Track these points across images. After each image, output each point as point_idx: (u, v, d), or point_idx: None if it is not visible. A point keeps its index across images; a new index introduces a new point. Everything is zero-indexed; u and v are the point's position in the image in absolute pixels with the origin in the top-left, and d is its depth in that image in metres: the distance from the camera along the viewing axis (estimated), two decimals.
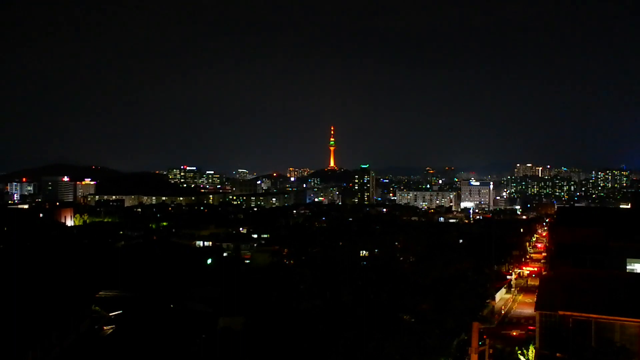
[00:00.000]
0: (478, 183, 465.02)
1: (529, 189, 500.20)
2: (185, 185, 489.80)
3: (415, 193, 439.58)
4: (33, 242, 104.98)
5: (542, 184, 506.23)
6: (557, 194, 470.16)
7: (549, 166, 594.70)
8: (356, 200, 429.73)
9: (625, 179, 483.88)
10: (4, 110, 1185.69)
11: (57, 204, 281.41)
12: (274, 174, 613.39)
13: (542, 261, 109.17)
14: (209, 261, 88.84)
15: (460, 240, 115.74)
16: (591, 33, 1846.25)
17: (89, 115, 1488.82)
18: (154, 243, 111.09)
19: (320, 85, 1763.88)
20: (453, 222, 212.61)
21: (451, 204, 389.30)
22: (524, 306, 70.85)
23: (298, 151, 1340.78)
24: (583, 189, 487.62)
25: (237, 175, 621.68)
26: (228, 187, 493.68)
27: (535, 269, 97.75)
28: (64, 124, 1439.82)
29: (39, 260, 70.52)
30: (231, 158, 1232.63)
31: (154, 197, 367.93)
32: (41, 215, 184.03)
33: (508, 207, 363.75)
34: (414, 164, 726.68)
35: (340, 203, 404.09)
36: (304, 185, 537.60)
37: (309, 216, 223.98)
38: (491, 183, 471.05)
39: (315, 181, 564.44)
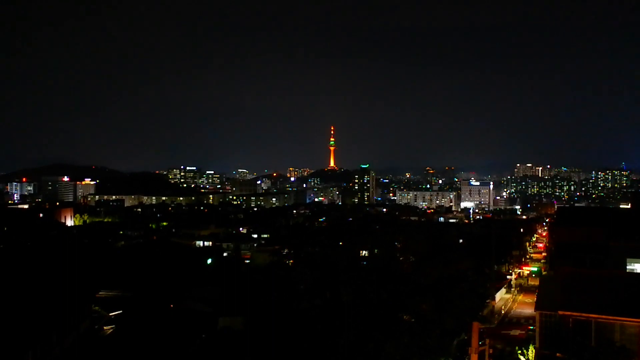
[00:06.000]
0: (478, 183, 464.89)
1: (529, 189, 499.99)
2: (185, 185, 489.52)
3: (415, 193, 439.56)
4: (33, 242, 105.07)
5: (542, 184, 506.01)
6: (557, 194, 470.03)
7: (549, 166, 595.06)
8: (356, 200, 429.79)
9: (625, 179, 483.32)
10: (4, 110, 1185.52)
11: (57, 204, 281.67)
12: (274, 174, 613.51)
13: (542, 261, 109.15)
14: (209, 261, 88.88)
15: (460, 240, 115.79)
16: (591, 33, 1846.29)
17: (89, 115, 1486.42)
18: (154, 243, 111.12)
19: (320, 85, 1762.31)
20: (453, 222, 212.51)
21: (451, 204, 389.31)
22: (524, 306, 70.79)
23: (298, 151, 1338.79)
24: (583, 189, 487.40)
25: (237, 175, 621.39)
26: (228, 187, 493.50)
27: (535, 268, 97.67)
28: (64, 124, 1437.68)
29: (39, 260, 70.56)
30: (231, 158, 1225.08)
31: (154, 197, 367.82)
32: (41, 215, 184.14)
33: (508, 207, 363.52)
34: (414, 164, 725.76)
35: (340, 203, 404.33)
36: (304, 185, 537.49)
37: (309, 216, 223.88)
38: (491, 183, 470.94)
39: (315, 181, 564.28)
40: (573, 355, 32.33)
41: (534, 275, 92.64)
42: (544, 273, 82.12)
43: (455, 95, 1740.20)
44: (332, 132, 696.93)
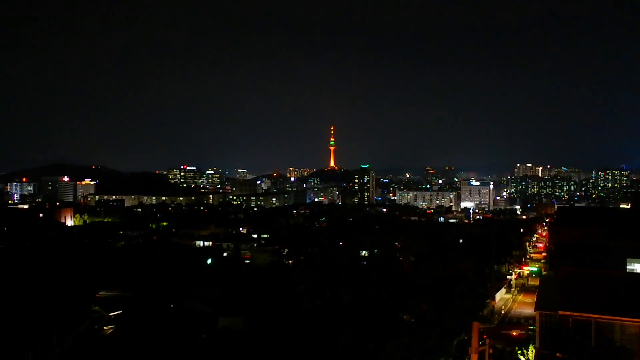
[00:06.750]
0: (478, 183, 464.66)
1: (529, 189, 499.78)
2: (185, 185, 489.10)
3: (415, 193, 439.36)
4: (33, 242, 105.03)
5: (542, 184, 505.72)
6: (557, 194, 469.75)
7: (549, 166, 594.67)
8: (356, 200, 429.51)
9: (625, 179, 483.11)
10: (4, 110, 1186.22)
11: (57, 204, 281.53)
12: (274, 174, 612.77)
13: (542, 261, 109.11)
14: (209, 261, 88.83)
15: (460, 240, 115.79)
16: (591, 33, 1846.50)
17: (89, 115, 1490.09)
18: (154, 243, 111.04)
19: (320, 85, 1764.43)
20: (453, 222, 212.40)
21: (451, 204, 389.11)
22: (524, 306, 70.79)
23: (298, 151, 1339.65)
24: (583, 189, 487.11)
25: (237, 175, 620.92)
26: (228, 187, 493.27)
27: (535, 268, 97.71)
28: (64, 124, 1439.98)
29: (39, 260, 70.54)
30: (231, 158, 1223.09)
31: (154, 197, 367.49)
32: (41, 215, 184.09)
33: (508, 207, 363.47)
34: (414, 164, 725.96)
35: (340, 203, 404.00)
36: (304, 185, 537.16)
37: (309, 216, 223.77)
38: (491, 183, 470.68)
39: (315, 181, 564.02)
40: (573, 355, 32.32)
41: (534, 275, 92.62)
42: (544, 273, 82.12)
43: (455, 95, 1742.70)
44: (332, 132, 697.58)
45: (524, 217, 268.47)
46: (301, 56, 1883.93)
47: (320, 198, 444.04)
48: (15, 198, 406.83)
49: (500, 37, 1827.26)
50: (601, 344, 31.86)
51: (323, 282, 56.42)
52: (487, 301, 65.02)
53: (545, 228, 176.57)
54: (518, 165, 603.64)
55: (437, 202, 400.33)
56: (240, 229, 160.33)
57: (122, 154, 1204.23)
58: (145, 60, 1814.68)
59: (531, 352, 38.51)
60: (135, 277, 62.54)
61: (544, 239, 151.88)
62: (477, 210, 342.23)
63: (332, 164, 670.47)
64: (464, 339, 43.51)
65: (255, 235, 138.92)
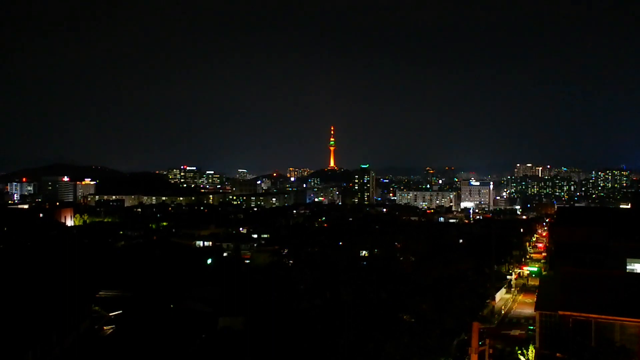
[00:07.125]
0: (478, 183, 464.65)
1: (529, 189, 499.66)
2: (185, 185, 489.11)
3: (415, 193, 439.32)
4: (33, 242, 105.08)
5: (542, 184, 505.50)
6: (557, 194, 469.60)
7: (549, 166, 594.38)
8: (356, 200, 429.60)
9: (625, 179, 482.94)
10: (4, 110, 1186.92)
11: (57, 204, 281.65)
12: (274, 174, 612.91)
13: (542, 261, 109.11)
14: (209, 261, 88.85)
15: (460, 240, 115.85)
16: (591, 33, 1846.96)
17: (89, 115, 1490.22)
18: (154, 243, 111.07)
19: (320, 85, 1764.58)
20: (453, 222, 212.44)
21: (451, 204, 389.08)
22: (524, 306, 70.78)
23: (298, 151, 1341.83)
24: (583, 189, 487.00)
25: (237, 175, 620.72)
26: (228, 187, 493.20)
27: (535, 268, 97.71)
28: (64, 124, 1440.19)
29: (39, 260, 70.56)
30: (231, 158, 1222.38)
31: (154, 197, 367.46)
32: (41, 215, 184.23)
33: (508, 207, 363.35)
34: (414, 164, 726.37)
35: (340, 203, 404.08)
36: (304, 185, 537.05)
37: (309, 216, 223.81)
38: (491, 183, 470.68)
39: (315, 181, 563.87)
40: (573, 355, 32.33)
41: (534, 275, 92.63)
42: (544, 273, 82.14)
43: (456, 96, 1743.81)
44: (332, 132, 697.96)
45: (524, 217, 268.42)
46: (301, 56, 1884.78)
47: (320, 198, 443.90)
48: (15, 198, 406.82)
49: (500, 37, 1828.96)
50: (601, 344, 31.86)
51: (323, 282, 56.47)
52: (487, 301, 65.03)
53: (545, 228, 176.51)
54: (518, 165, 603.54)
55: (437, 202, 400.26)
56: (240, 229, 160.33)
57: (122, 154, 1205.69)
58: (145, 60, 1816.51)
59: (531, 352, 38.52)
60: (135, 277, 62.55)
61: (544, 239, 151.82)
62: (477, 210, 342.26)
63: (332, 164, 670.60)
64: (464, 339, 43.53)
65: (255, 235, 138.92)
